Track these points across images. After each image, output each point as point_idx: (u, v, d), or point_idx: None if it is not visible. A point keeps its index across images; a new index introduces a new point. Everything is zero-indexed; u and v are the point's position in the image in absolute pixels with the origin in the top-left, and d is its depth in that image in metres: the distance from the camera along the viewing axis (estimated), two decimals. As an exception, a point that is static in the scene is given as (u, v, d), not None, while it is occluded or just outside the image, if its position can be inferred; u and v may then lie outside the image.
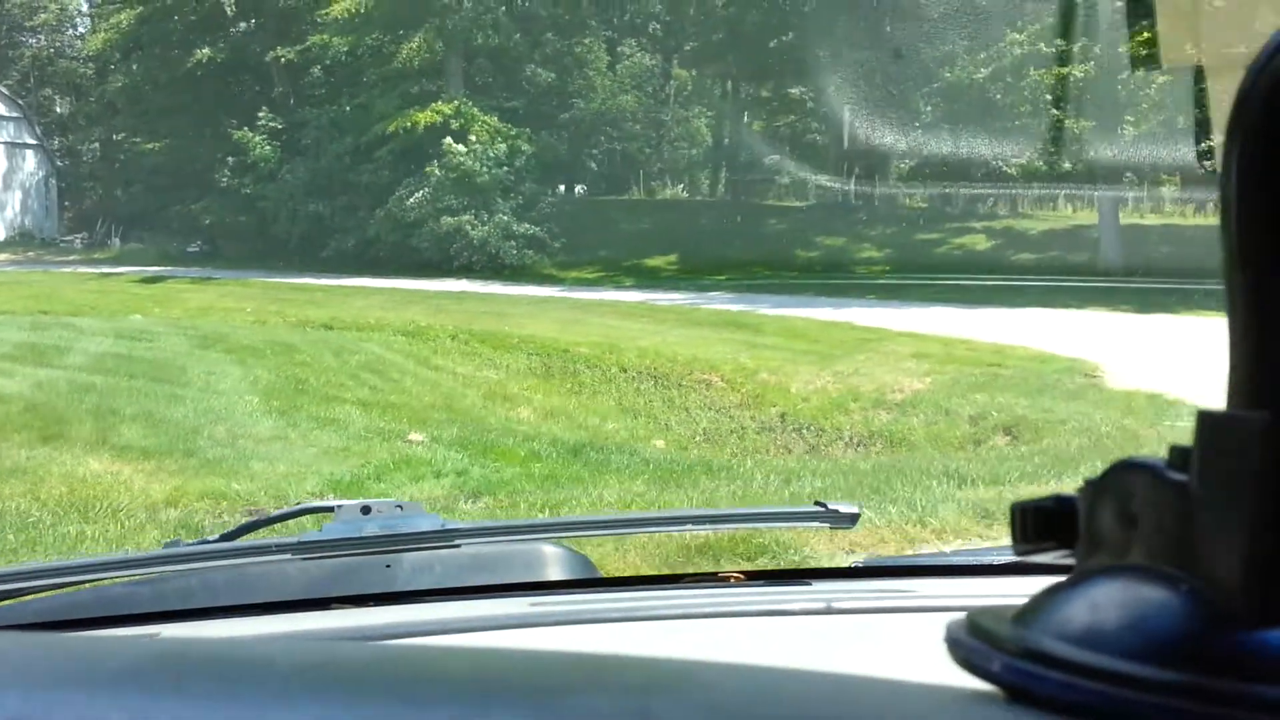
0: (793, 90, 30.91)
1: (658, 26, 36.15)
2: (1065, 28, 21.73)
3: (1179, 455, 0.40)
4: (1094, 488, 0.44)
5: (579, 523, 1.74)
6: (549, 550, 1.47)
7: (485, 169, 24.28)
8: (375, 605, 1.27)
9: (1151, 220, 25.54)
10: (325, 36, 27.66)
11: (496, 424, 8.02)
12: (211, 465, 5.98)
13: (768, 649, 1.07)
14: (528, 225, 24.62)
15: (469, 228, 24.08)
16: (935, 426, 8.73)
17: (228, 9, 30.16)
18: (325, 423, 7.27)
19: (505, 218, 24.33)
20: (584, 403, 10.50)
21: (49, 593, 1.29)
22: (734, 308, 17.35)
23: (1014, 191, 26.81)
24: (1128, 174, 30.12)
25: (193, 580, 1.33)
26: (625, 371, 12.33)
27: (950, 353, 11.55)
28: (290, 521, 1.59)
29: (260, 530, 1.51)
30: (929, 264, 21.59)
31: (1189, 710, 0.35)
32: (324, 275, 24.05)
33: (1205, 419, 0.39)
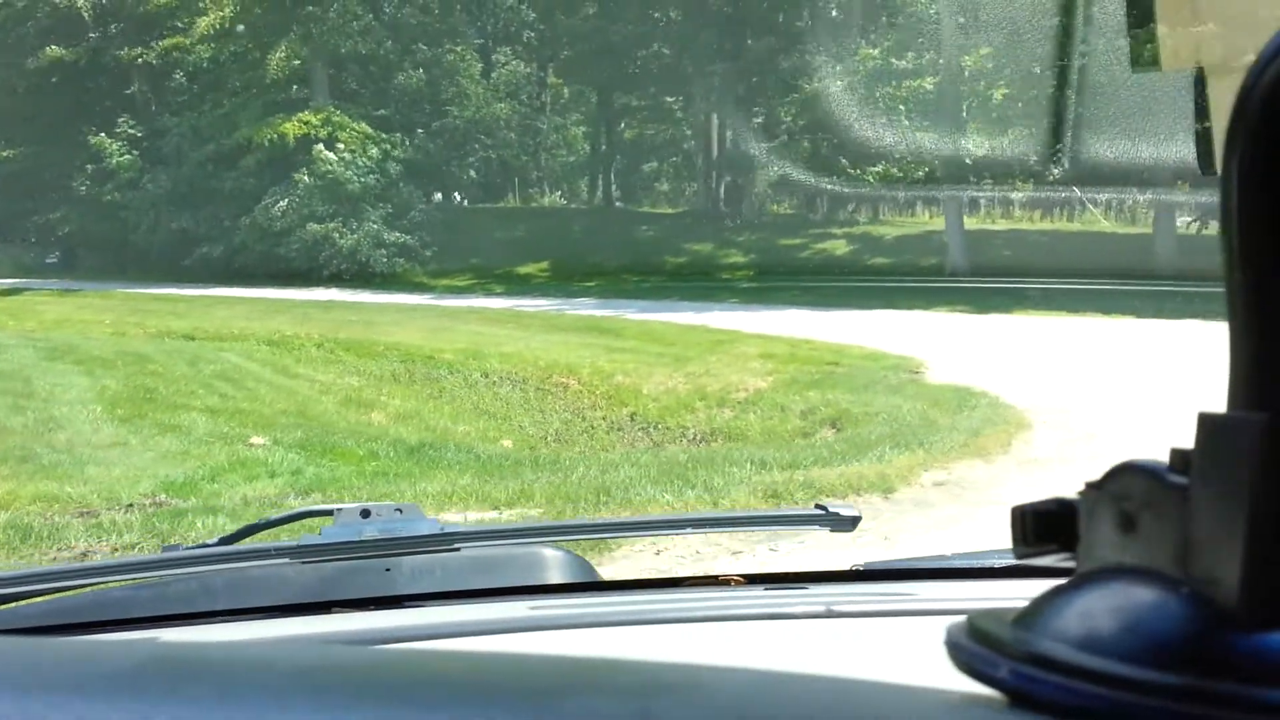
0: (662, 100, 31.60)
1: (532, 35, 36.45)
2: (915, 42, 22.84)
3: (1179, 457, 0.40)
4: (1094, 490, 0.44)
5: (579, 526, 1.73)
6: (549, 554, 1.47)
7: (355, 176, 24.23)
8: (374, 609, 1.27)
9: (1001, 225, 26.95)
10: (186, 40, 27.20)
11: (345, 427, 8.24)
12: (46, 470, 6.06)
13: (768, 653, 1.07)
14: (399, 233, 24.65)
15: (338, 236, 23.99)
16: (770, 422, 9.26)
17: (85, 13, 29.33)
18: (168, 429, 7.39)
19: (375, 226, 24.32)
20: (441, 406, 10.75)
21: (47, 597, 1.29)
22: (599, 313, 17.76)
23: (876, 196, 27.94)
24: (984, 180, 31.66)
25: (192, 584, 1.33)
26: (487, 376, 12.61)
27: (794, 353, 12.15)
28: (290, 525, 1.59)
29: (259, 534, 1.50)
30: (790, 268, 22.40)
31: (1189, 714, 0.35)
32: (188, 285, 23.66)
33: (1205, 421, 0.39)
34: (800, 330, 14.17)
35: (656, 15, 27.68)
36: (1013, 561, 1.31)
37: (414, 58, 29.64)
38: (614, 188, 35.67)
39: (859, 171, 26.42)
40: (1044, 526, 0.46)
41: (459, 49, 30.80)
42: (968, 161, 25.75)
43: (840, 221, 26.68)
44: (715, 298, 19.78)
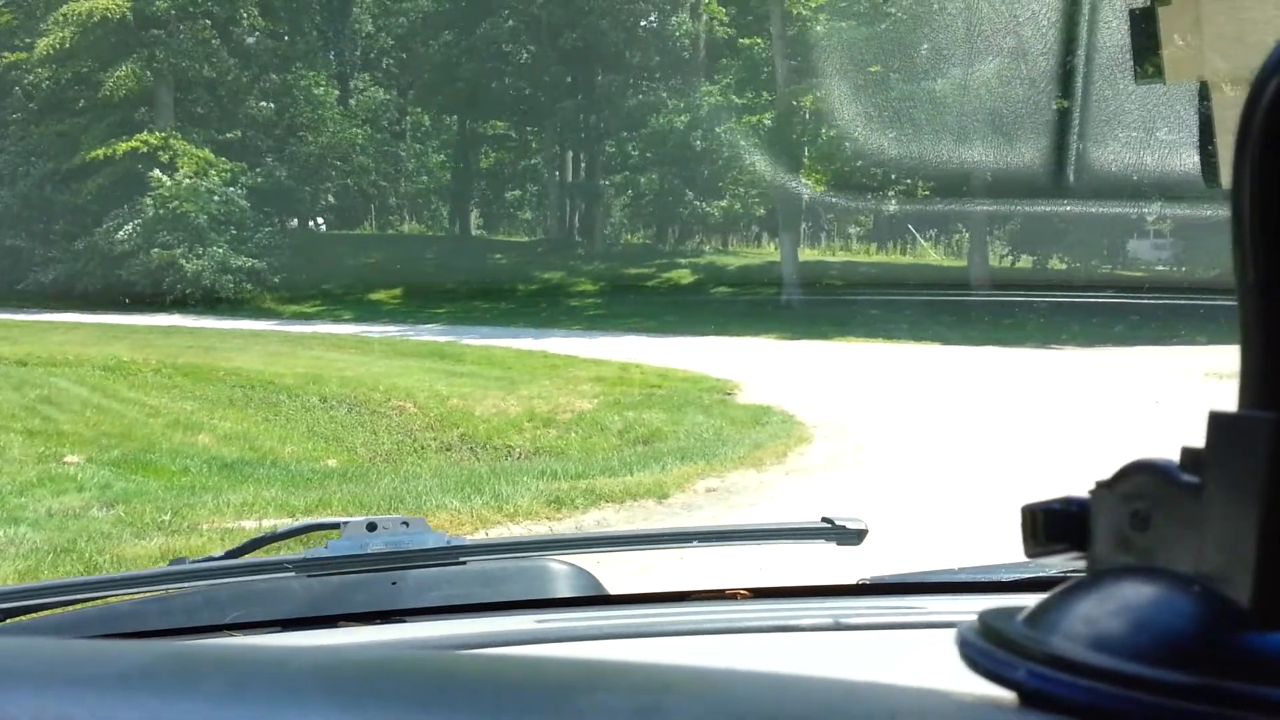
0: (519, 130, 32.17)
1: (391, 62, 36.59)
2: (752, 81, 23.98)
3: (1190, 456, 0.40)
4: (1105, 489, 0.44)
5: (585, 539, 1.73)
6: (555, 567, 1.46)
7: (198, 202, 23.97)
8: (381, 623, 1.28)
9: (840, 257, 28.37)
10: (27, 57, 26.47)
11: (167, 448, 8.44)
12: None
13: (776, 665, 1.04)
14: (246, 259, 24.46)
15: (183, 261, 23.69)
16: (589, 440, 9.84)
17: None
18: (-19, 450, 7.51)
19: (222, 251, 24.09)
20: (272, 429, 10.97)
21: (55, 610, 1.30)
22: (445, 339, 18.11)
23: (721, 226, 29.05)
24: (822, 213, 33.21)
25: (198, 598, 1.33)
26: (325, 400, 12.85)
27: (623, 376, 12.79)
28: (296, 539, 1.59)
29: (265, 547, 1.50)
30: (637, 296, 23.16)
31: (1202, 713, 0.35)
32: (24, 310, 22.97)
33: (1216, 420, 0.39)
34: (635, 355, 14.85)
35: (509, 49, 28.27)
36: (1021, 575, 1.32)
37: (263, 83, 29.46)
38: (475, 216, 36.03)
39: (704, 204, 27.51)
40: (1054, 525, 0.46)
41: (313, 74, 30.73)
42: (804, 196, 27.07)
43: (688, 251, 27.70)
44: (561, 324, 20.37)
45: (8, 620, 1.27)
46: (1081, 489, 0.45)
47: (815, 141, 22.05)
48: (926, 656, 0.86)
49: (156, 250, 23.64)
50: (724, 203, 26.89)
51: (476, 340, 17.55)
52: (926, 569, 1.46)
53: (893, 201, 32.58)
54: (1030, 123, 22.47)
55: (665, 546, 1.67)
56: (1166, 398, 10.03)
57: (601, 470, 6.67)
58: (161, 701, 0.40)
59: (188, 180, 24.12)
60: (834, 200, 32.52)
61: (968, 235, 23.68)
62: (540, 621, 1.25)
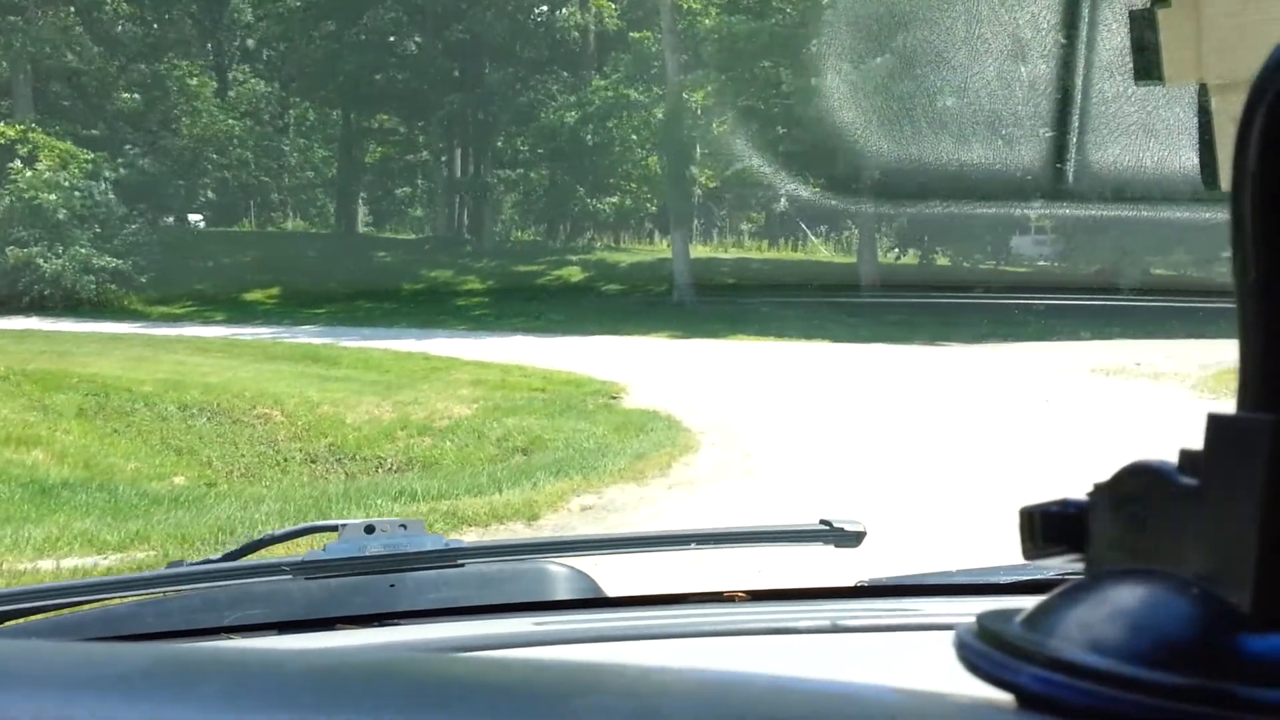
0: (406, 124, 31.25)
1: (272, 53, 35.21)
2: (643, 75, 23.62)
3: (1188, 458, 0.40)
4: (1103, 491, 0.44)
5: (583, 542, 1.74)
6: (553, 569, 1.47)
7: (58, 198, 22.56)
8: (379, 625, 1.28)
9: (732, 254, 28.22)
10: None
11: (-12, 468, 7.65)
12: None
13: (774, 667, 1.05)
14: (110, 258, 23.12)
15: (40, 261, 22.27)
16: (466, 449, 9.30)
17: None
18: None
19: (84, 250, 22.72)
20: (120, 443, 10.16)
21: (52, 613, 1.29)
22: (322, 341, 17.30)
23: (614, 223, 28.65)
24: (715, 209, 33.09)
25: (196, 600, 1.34)
26: (184, 409, 12.01)
27: (505, 379, 12.26)
28: (294, 541, 1.57)
29: (264, 549, 1.49)
30: (525, 295, 22.59)
31: (1200, 715, 0.35)
32: None
33: (1214, 421, 0.39)
34: (521, 356, 14.32)
35: (393, 40, 27.37)
36: (1019, 577, 1.33)
37: (131, 73, 28.01)
38: (364, 213, 34.91)
39: (596, 200, 27.07)
40: (1052, 528, 0.46)
41: (186, 65, 29.34)
42: (695, 192, 26.90)
43: (579, 249, 27.20)
44: (446, 325, 19.69)
45: (6, 623, 1.26)
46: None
47: (706, 137, 21.79)
48: (924, 659, 0.84)
49: (11, 249, 22.16)
50: (615, 199, 26.49)
51: (355, 342, 16.79)
52: (924, 571, 1.45)
53: (783, 198, 32.69)
54: (920, 119, 22.62)
55: (663, 549, 1.63)
56: (1056, 396, 9.94)
57: (468, 488, 6.17)
58: (159, 704, 0.40)
59: (49, 174, 22.69)
60: (726, 196, 32.54)
61: (857, 232, 23.73)
62: (538, 624, 1.24)
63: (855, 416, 9.21)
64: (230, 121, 29.99)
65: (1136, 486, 0.42)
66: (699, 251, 27.12)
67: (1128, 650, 0.37)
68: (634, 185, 25.54)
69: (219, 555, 1.43)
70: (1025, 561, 0.58)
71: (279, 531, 1.55)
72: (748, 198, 33.40)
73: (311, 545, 1.40)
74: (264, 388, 12.61)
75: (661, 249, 28.15)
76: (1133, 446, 7.47)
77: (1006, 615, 0.43)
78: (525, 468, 7.19)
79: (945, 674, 0.45)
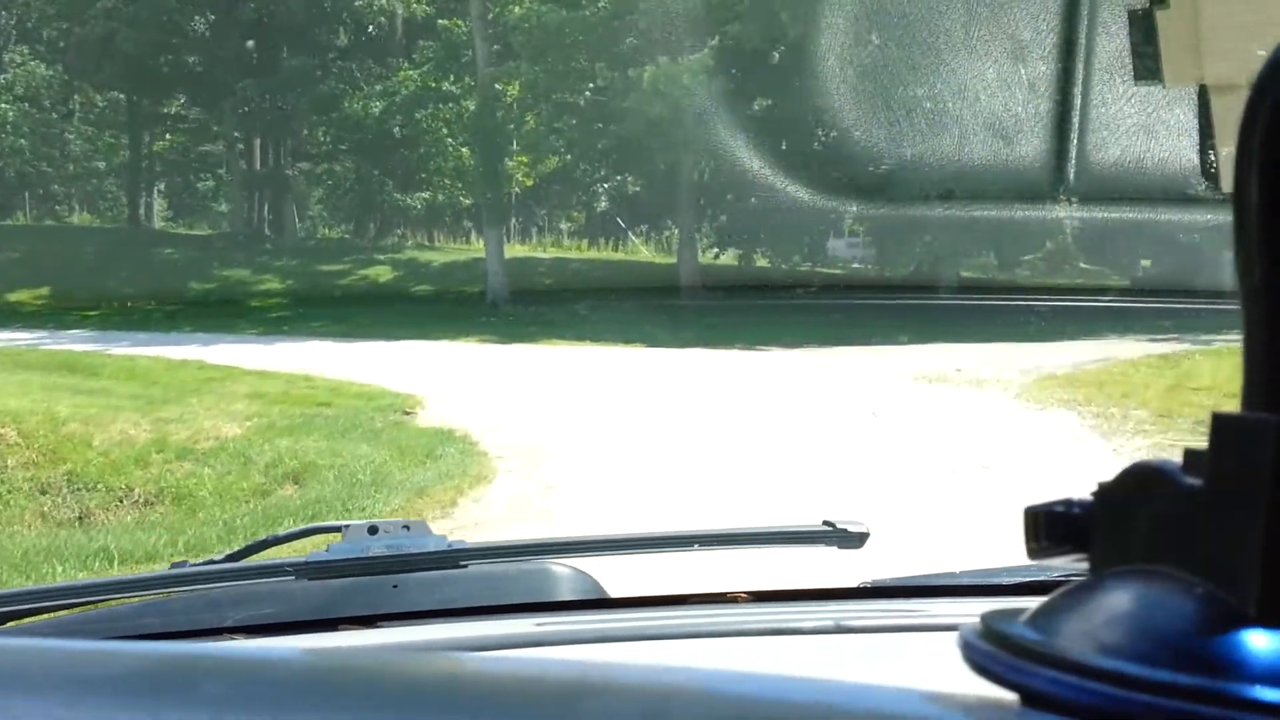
0: (199, 112, 28.93)
1: (55, 33, 32.08)
2: (453, 64, 22.42)
3: (1192, 458, 0.40)
4: (1107, 491, 0.43)
5: (586, 543, 1.62)
6: (555, 570, 1.45)
7: None
8: (382, 626, 1.26)
9: (551, 253, 27.32)
10: None
11: None
12: None
13: (777, 668, 0.96)
14: None
15: None
16: (228, 478, 8.07)
17: None
18: None
19: None
20: None
21: (55, 614, 1.28)
22: (87, 347, 15.45)
23: (425, 220, 27.27)
24: (532, 206, 32.11)
25: (199, 601, 1.32)
26: (-109, 431, 10.20)
27: (289, 392, 10.99)
28: (297, 542, 1.55)
29: (267, 550, 1.45)
30: (328, 296, 21.08)
31: (1204, 715, 0.35)
32: None
33: (1220, 421, 0.39)
34: (315, 364, 13.01)
35: (178, 19, 25.19)
36: (1023, 578, 1.31)
37: None
38: (163, 206, 32.24)
39: (405, 196, 25.67)
40: (1057, 527, 0.46)
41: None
42: (514, 188, 25.91)
43: (388, 247, 25.69)
44: (237, 329, 18.03)
45: (9, 623, 1.27)
46: (1080, 493, 0.46)
47: (522, 131, 20.78)
48: (929, 659, 0.83)
49: None
50: (427, 194, 25.17)
51: (126, 349, 15.03)
52: (927, 572, 1.45)
53: (603, 196, 32.01)
54: (739, 118, 22.28)
55: (667, 550, 1.53)
56: (882, 406, 9.46)
57: (193, 543, 5.04)
58: (163, 704, 0.41)
59: None
60: (547, 193, 31.65)
61: (677, 231, 23.21)
62: (541, 624, 1.24)
63: (674, 435, 8.45)
64: (1, 106, 27.19)
65: (1140, 486, 0.42)
66: (516, 251, 26.10)
67: (1132, 650, 0.38)
68: (447, 180, 24.27)
69: (222, 556, 1.43)
70: (1030, 562, 0.55)
71: (282, 533, 1.55)
72: (568, 195, 32.60)
73: (315, 546, 1.38)
74: (3, 403, 10.91)
75: (477, 248, 26.98)
76: (968, 463, 6.97)
77: (1011, 615, 0.43)
78: (285, 505, 6.10)
79: (950, 674, 0.45)
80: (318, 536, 1.49)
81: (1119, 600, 0.40)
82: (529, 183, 24.71)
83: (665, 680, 0.43)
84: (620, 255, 28.40)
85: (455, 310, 19.92)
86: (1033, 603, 0.43)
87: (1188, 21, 0.82)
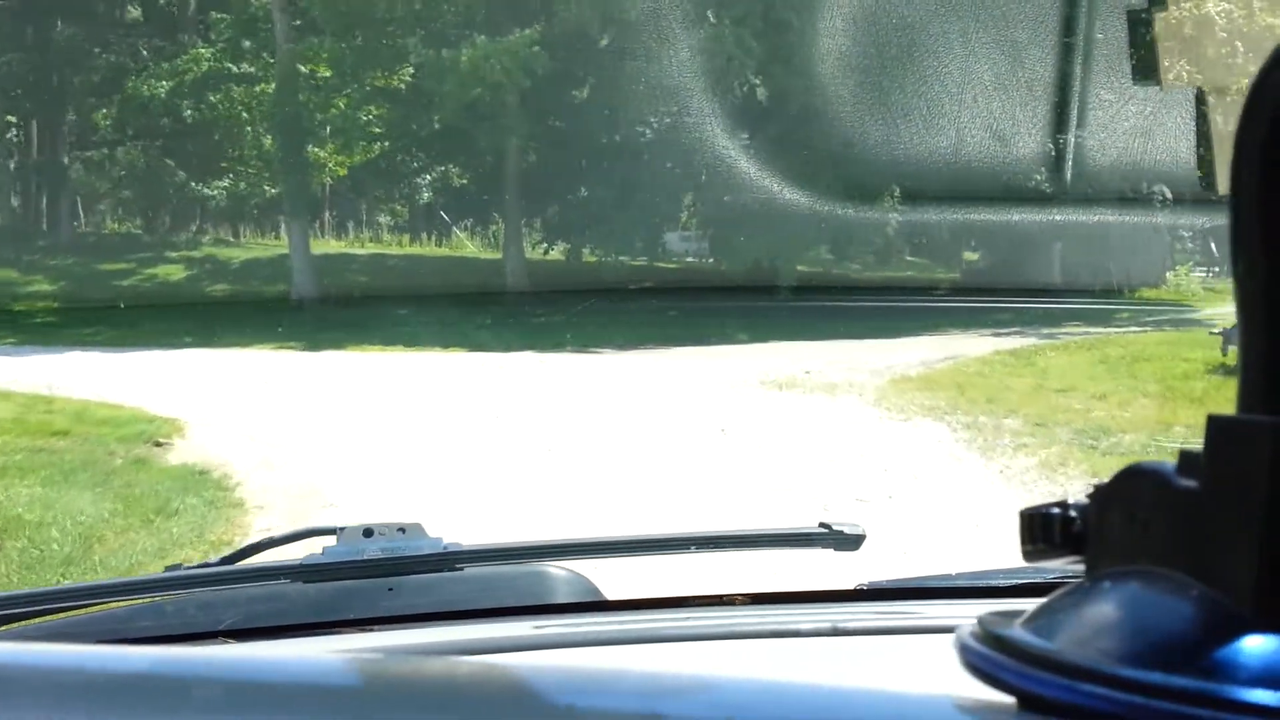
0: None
1: None
2: (251, 42, 20.30)
3: (1188, 460, 0.40)
4: (1102, 493, 0.43)
5: (582, 545, 1.49)
6: (552, 573, 1.43)
7: None
8: (378, 629, 1.25)
9: (369, 249, 25.37)
10: None
11: None
12: None
13: (774, 670, 1.07)
14: None
15: None
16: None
17: None
18: None
19: None
20: None
21: (51, 618, 1.27)
22: None
23: (222, 212, 24.87)
24: (345, 198, 29.95)
25: (194, 604, 1.30)
26: None
27: (22, 417, 9.06)
28: (292, 544, 1.48)
29: (262, 553, 1.43)
30: (108, 298, 18.68)
31: (1199, 717, 0.35)
32: None
33: (1215, 423, 0.39)
34: (64, 381, 11.00)
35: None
36: (1020, 579, 1.30)
37: None
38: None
39: (203, 186, 23.28)
40: (1052, 530, 0.46)
41: None
42: (327, 179, 23.89)
43: (181, 243, 23.18)
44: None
45: (4, 626, 1.26)
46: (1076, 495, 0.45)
47: (328, 114, 18.86)
48: (925, 661, 0.84)
49: None
50: (227, 183, 22.84)
51: None
52: (924, 574, 1.46)
53: (425, 189, 30.12)
54: (568, 103, 20.95)
55: (663, 552, 1.49)
56: (730, 419, 8.29)
57: None
58: (157, 708, 0.41)
59: None
60: (368, 184, 29.58)
61: (503, 226, 21.71)
62: (538, 627, 1.24)
63: (489, 464, 7.06)
64: None
65: (1136, 488, 0.42)
66: (330, 247, 24.09)
67: (1127, 652, 0.38)
68: (251, 169, 22.04)
69: (217, 559, 1.40)
70: (1026, 564, 0.56)
71: (278, 535, 1.52)
72: (388, 187, 30.62)
73: (310, 549, 1.36)
74: None
75: (280, 243, 24.76)
76: (842, 497, 5.84)
77: (1007, 617, 0.43)
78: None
79: (947, 677, 0.45)
80: (313, 539, 1.43)
81: (1114, 603, 0.40)
82: (342, 172, 22.72)
83: (658, 684, 0.43)
84: (445, 251, 26.64)
85: (253, 314, 17.91)
86: (1030, 604, 0.43)
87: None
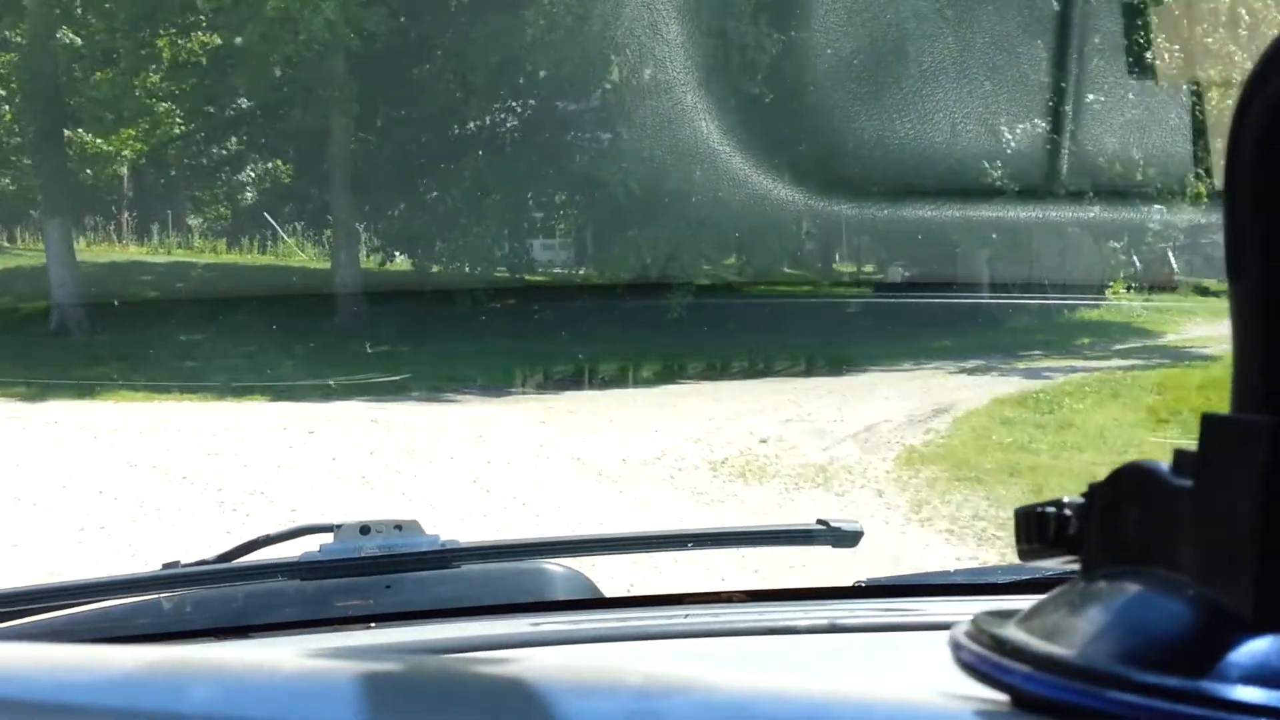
0: None
1: None
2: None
3: (1183, 459, 0.40)
4: (1098, 492, 0.43)
5: (579, 542, 1.52)
6: (549, 570, 1.43)
7: None
8: (375, 626, 1.26)
9: (179, 256, 21.20)
10: None
11: None
12: None
13: (772, 667, 1.07)
14: None
15: None
16: None
17: None
18: None
19: None
20: None
21: (47, 615, 1.26)
22: None
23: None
24: (160, 199, 25.51)
25: (191, 601, 1.31)
26: None
27: None
28: (289, 542, 1.45)
29: (259, 550, 1.41)
30: None
31: (1193, 716, 0.35)
32: None
33: (1210, 422, 0.39)
34: None
35: None
36: (1016, 577, 1.29)
37: None
38: None
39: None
40: (1048, 528, 0.45)
41: None
42: (118, 170, 19.78)
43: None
44: None
45: (1, 624, 1.25)
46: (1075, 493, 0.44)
47: (94, 92, 14.76)
48: (922, 659, 0.81)
49: None
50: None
51: None
52: (921, 571, 1.51)
53: (248, 187, 25.96)
54: (407, 71, 17.41)
55: (661, 549, 1.57)
56: (653, 566, 5.04)
57: None
58: (155, 706, 0.41)
59: None
60: (174, 179, 25.28)
61: (332, 229, 18.00)
62: (535, 624, 1.23)
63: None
64: None
65: (1131, 487, 0.42)
66: (116, 253, 19.89)
67: (1122, 651, 0.38)
68: (12, 159, 17.71)
69: (214, 557, 1.39)
70: (1023, 562, 0.56)
71: (274, 533, 1.48)
72: (201, 182, 26.39)
73: (307, 546, 1.34)
74: None
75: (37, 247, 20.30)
76: None
77: (1002, 616, 0.43)
78: None
79: (942, 674, 0.45)
80: (310, 536, 1.41)
81: (1109, 601, 0.40)
82: (132, 158, 18.58)
83: (656, 681, 0.43)
84: (268, 259, 22.63)
85: (8, 338, 13.84)
86: (1026, 601, 0.43)
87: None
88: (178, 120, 16.67)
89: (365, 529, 1.34)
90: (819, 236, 19.57)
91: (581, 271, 19.46)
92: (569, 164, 16.39)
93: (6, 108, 15.69)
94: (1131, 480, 0.41)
